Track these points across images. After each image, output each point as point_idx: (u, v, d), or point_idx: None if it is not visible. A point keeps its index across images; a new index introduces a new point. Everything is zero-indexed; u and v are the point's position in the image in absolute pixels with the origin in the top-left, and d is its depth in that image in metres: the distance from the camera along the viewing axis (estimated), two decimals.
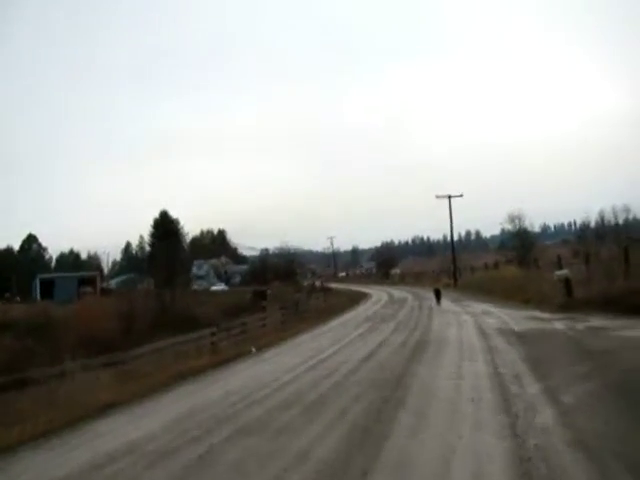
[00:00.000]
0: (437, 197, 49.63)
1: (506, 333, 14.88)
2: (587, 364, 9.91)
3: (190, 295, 52.68)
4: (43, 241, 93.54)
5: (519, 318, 18.80)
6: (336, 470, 5.30)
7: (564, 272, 21.79)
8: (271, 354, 14.93)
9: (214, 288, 63.44)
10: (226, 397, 9.15)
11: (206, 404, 8.80)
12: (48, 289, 63.90)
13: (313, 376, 10.60)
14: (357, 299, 39.77)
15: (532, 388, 8.24)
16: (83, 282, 67.64)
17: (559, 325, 16.32)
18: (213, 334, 19.90)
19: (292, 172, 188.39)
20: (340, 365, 11.54)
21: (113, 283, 72.10)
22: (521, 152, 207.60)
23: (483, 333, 15.10)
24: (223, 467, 5.71)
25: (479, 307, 24.81)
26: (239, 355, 15.28)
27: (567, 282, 21.43)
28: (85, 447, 7.06)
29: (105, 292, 62.12)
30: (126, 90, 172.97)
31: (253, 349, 16.19)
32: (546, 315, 19.58)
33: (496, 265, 44.92)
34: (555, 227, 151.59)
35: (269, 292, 51.40)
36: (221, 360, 14.73)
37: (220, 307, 39.90)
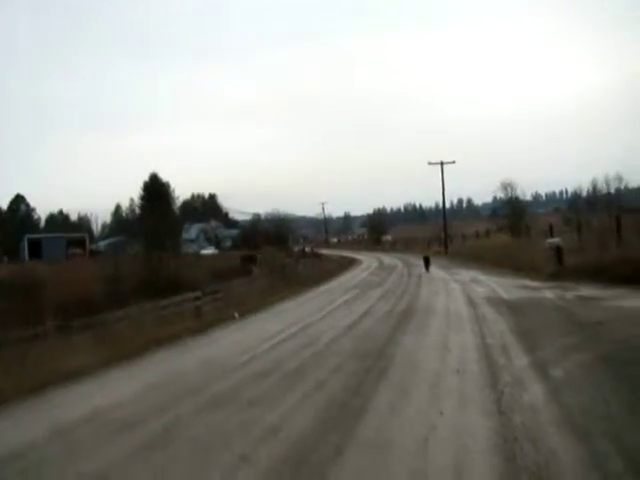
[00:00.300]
0: (429, 164, 49.01)
1: (495, 302, 14.54)
2: (577, 335, 9.56)
3: (179, 258, 52.24)
4: (32, 202, 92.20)
5: (509, 286, 18.48)
6: (308, 448, 4.89)
7: (555, 240, 21.43)
8: (254, 320, 14.55)
9: (204, 252, 62.88)
10: (202, 365, 8.74)
11: (180, 372, 8.39)
12: (36, 249, 63.23)
13: (294, 344, 10.21)
14: (346, 265, 39.49)
15: (520, 360, 7.86)
16: (72, 243, 66.97)
17: (549, 294, 16.00)
18: (197, 298, 19.57)
19: (285, 138, 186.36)
20: (323, 333, 11.15)
21: (102, 245, 71.35)
22: (514, 121, 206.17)
23: (471, 302, 14.75)
24: (187, 442, 5.30)
25: (469, 275, 24.50)
26: (221, 320, 14.89)
27: (558, 250, 21.09)
28: (46, 415, 6.64)
29: (94, 254, 61.52)
30: (117, 54, 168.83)
31: (236, 314, 15.80)
32: (536, 284, 19.27)
33: (487, 233, 44.68)
34: (547, 196, 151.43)
35: (259, 257, 50.96)
36: (203, 325, 14.34)
37: (209, 271, 39.35)
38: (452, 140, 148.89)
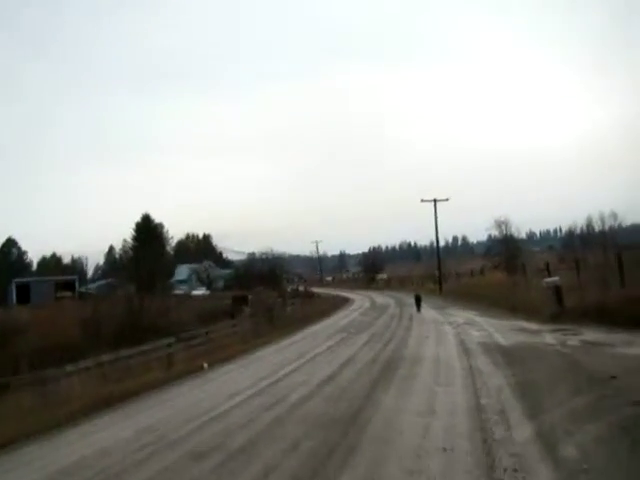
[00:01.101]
0: (422, 201, 47.91)
1: (491, 349, 12.95)
2: (588, 394, 7.97)
3: (168, 300, 50.47)
4: (24, 245, 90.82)
5: (505, 330, 16.89)
6: None
7: (554, 279, 19.94)
8: (223, 372, 12.90)
9: (195, 293, 61.18)
10: (134, 439, 7.10)
11: (104, 449, 6.75)
12: (24, 293, 61.46)
13: (256, 406, 8.58)
14: (338, 305, 37.86)
15: (522, 431, 6.27)
16: (61, 286, 65.28)
17: (550, 338, 14.42)
18: (169, 345, 17.98)
19: (280, 176, 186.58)
20: (293, 390, 9.55)
21: (93, 288, 69.57)
22: (507, 160, 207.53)
23: (465, 349, 13.15)
24: None
25: (463, 316, 22.91)
26: (188, 372, 13.25)
27: (557, 290, 19.56)
28: None
29: (83, 297, 59.75)
30: (111, 93, 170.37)
31: (205, 365, 14.16)
32: (535, 326, 17.70)
33: (482, 271, 43.17)
34: (541, 234, 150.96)
35: (250, 297, 49.20)
36: (168, 378, 12.73)
37: (197, 313, 37.78)
38: (447, 178, 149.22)
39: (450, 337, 15.55)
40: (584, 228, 65.24)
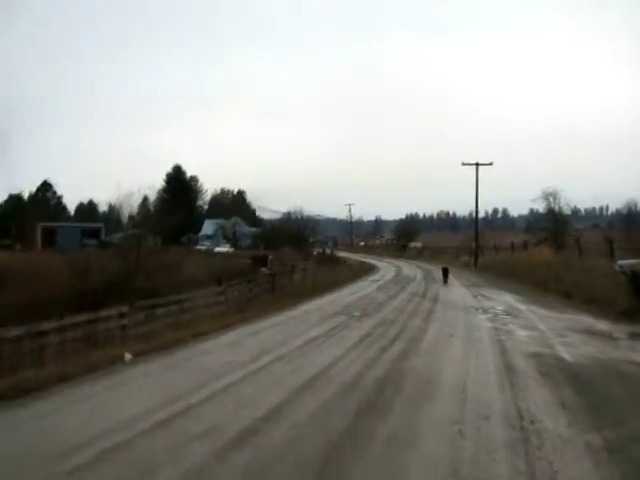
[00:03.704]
0: (464, 164, 41.83)
1: (551, 370, 7.85)
2: None
3: (176, 256, 46.67)
4: (60, 190, 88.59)
5: (564, 329, 11.69)
6: None
7: (632, 262, 14.44)
8: (132, 375, 8.19)
9: (217, 249, 57.25)
10: None
11: None
12: (50, 238, 58.88)
13: None
14: (359, 273, 32.87)
15: None
16: (88, 233, 62.65)
17: (638, 353, 9.26)
18: (122, 316, 13.71)
19: (320, 138, 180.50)
20: (162, 467, 4.76)
21: (117, 237, 66.55)
22: (553, 133, 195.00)
23: (508, 366, 8.05)
24: None
25: (502, 300, 17.65)
26: (93, 367, 8.65)
27: (635, 277, 14.12)
28: None
29: (105, 245, 56.80)
30: (160, 43, 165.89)
31: (127, 356, 9.55)
32: (605, 326, 12.43)
33: (525, 246, 37.28)
34: (586, 211, 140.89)
35: (271, 258, 44.65)
36: (67, 373, 8.20)
37: (211, 272, 33.52)
38: (489, 147, 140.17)
39: (485, 339, 10.41)
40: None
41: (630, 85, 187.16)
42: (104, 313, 13.55)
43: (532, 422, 5.52)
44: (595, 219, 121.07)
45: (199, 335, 11.69)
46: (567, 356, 8.82)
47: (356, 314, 14.24)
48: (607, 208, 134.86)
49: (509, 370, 7.72)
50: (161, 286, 26.23)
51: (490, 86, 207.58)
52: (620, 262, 14.61)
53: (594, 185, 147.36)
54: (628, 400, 6.53)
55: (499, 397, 6.38)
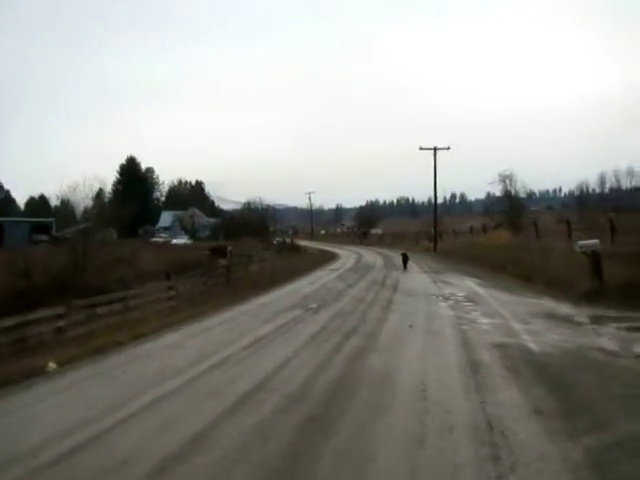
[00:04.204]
0: (422, 149, 41.29)
1: (517, 363, 7.15)
2: None
3: (128, 248, 44.84)
4: (8, 185, 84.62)
5: (528, 315, 11.10)
6: None
7: (592, 242, 14.00)
8: (51, 390, 7.07)
9: (175, 241, 55.44)
10: None
11: None
12: None
13: None
14: (319, 262, 32.03)
15: None
16: (38, 229, 59.64)
17: (606, 340, 8.68)
18: (59, 316, 12.48)
19: (279, 127, 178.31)
20: None
21: (70, 232, 63.72)
22: (507, 117, 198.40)
23: (472, 361, 7.28)
24: None
25: (463, 286, 17.07)
26: (8, 380, 7.50)
27: (595, 258, 13.69)
28: None
29: (57, 241, 54.18)
30: (111, 33, 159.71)
31: (51, 365, 8.40)
32: (568, 309, 11.95)
33: (484, 229, 37.20)
34: (540, 193, 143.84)
35: (230, 249, 43.31)
36: None
37: (170, 264, 31.98)
38: (445, 133, 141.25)
39: (447, 330, 9.66)
40: (583, 189, 59.08)
41: (584, 76, 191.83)
42: (36, 315, 12.31)
43: (502, 433, 4.74)
44: (549, 201, 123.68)
45: (140, 336, 10.62)
46: (533, 346, 8.16)
47: (313, 306, 13.36)
48: (560, 190, 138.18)
49: (473, 367, 6.95)
50: (112, 282, 24.75)
51: (447, 72, 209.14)
52: (580, 242, 14.16)
53: (547, 168, 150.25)
54: (603, 396, 5.85)
55: (464, 403, 5.58)
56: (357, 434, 4.80)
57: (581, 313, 11.42)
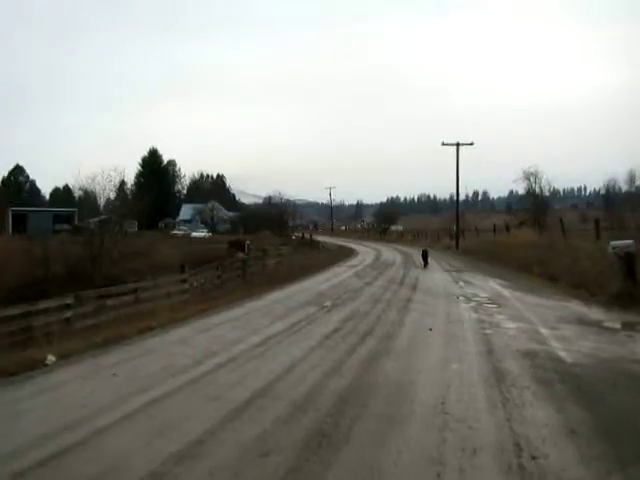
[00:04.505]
0: (444, 144, 40.37)
1: (548, 373, 6.49)
2: None
3: (159, 240, 44.73)
4: (34, 175, 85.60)
5: (556, 319, 10.38)
6: None
7: (626, 243, 13.15)
8: (45, 385, 6.64)
9: (194, 234, 55.36)
10: None
11: None
12: (20, 223, 56.49)
13: None
14: (337, 258, 31.45)
15: None
16: (61, 219, 60.20)
17: None
18: (67, 306, 12.23)
19: (302, 122, 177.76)
20: None
21: (92, 222, 64.17)
22: (532, 115, 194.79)
23: (497, 371, 6.62)
24: None
25: (486, 287, 16.33)
26: (6, 372, 7.12)
27: (630, 259, 12.85)
28: None
29: (78, 231, 54.60)
30: (135, 25, 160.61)
31: (50, 358, 7.99)
32: (599, 314, 11.18)
33: (507, 228, 36.16)
34: (564, 191, 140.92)
35: (248, 243, 42.96)
36: None
37: (188, 257, 31.72)
38: (468, 130, 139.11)
39: (469, 334, 8.99)
40: (610, 188, 57.18)
41: (609, 71, 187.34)
42: (44, 305, 12.00)
43: (534, 458, 4.12)
44: (573, 200, 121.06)
45: (147, 330, 10.18)
46: (564, 355, 7.47)
47: (327, 304, 12.79)
48: (585, 189, 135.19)
49: (499, 377, 6.31)
50: (127, 273, 24.55)
51: (471, 70, 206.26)
52: (613, 243, 13.32)
53: (571, 166, 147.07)
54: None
55: (489, 419, 4.96)
56: (368, 453, 4.23)
57: (614, 318, 10.65)
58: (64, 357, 8.02)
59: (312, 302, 13.26)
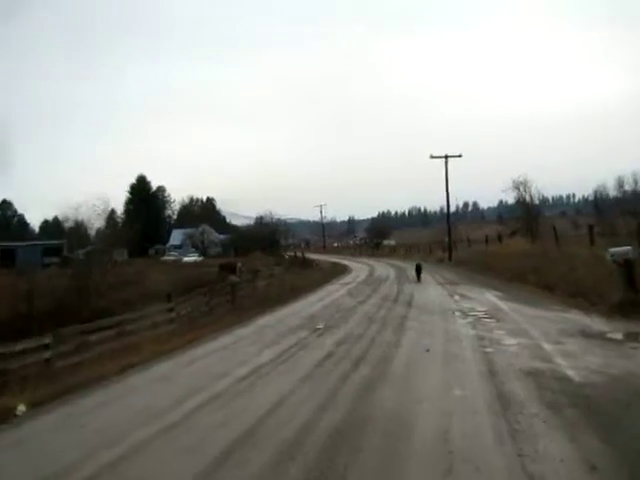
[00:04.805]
0: (432, 157, 40.20)
1: (557, 395, 5.95)
2: None
3: (149, 267, 43.98)
4: (21, 208, 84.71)
5: (558, 333, 9.86)
6: None
7: (624, 250, 12.72)
8: (5, 443, 6.03)
9: (185, 259, 54.62)
10: None
11: None
12: (8, 258, 55.46)
13: None
14: (330, 276, 30.90)
15: None
16: (50, 252, 59.26)
17: None
18: (46, 346, 11.58)
19: (290, 141, 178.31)
20: None
21: (81, 253, 63.31)
22: (516, 125, 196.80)
23: (502, 396, 6.06)
24: None
25: (482, 299, 15.83)
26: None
27: (629, 267, 12.41)
28: None
29: (67, 263, 53.71)
30: (110, 50, 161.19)
31: (21, 408, 7.33)
32: (600, 324, 10.69)
33: (499, 237, 35.82)
34: (554, 199, 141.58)
35: (239, 265, 42.22)
36: None
37: (179, 283, 30.96)
38: (456, 143, 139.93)
39: (468, 353, 8.45)
40: (598, 194, 57.24)
41: (593, 82, 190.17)
42: (21, 346, 11.32)
43: None
44: (562, 207, 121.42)
45: (128, 368, 9.57)
46: (572, 373, 6.93)
47: (319, 327, 12.22)
48: (574, 196, 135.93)
49: (505, 403, 5.76)
50: (117, 304, 23.81)
51: (457, 82, 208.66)
52: (612, 250, 12.88)
53: (559, 174, 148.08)
54: None
55: (498, 457, 4.40)
56: None
57: (617, 329, 10.17)
58: (36, 405, 7.37)
59: (304, 325, 12.69)
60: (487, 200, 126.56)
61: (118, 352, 11.74)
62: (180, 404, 6.67)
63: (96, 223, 50.25)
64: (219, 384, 7.58)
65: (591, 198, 64.61)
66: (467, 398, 6.04)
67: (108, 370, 9.36)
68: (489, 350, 8.55)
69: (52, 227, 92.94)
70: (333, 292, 21.52)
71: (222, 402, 6.66)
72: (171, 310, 16.33)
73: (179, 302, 17.35)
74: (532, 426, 5.06)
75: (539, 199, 40.97)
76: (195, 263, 52.58)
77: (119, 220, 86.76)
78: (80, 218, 39.75)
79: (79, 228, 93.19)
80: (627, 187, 49.38)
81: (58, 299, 24.19)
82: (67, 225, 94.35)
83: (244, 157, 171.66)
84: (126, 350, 11.77)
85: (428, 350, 8.72)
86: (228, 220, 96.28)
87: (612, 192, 53.33)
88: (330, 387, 6.87)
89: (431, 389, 6.52)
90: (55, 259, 56.86)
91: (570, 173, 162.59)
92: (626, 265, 12.36)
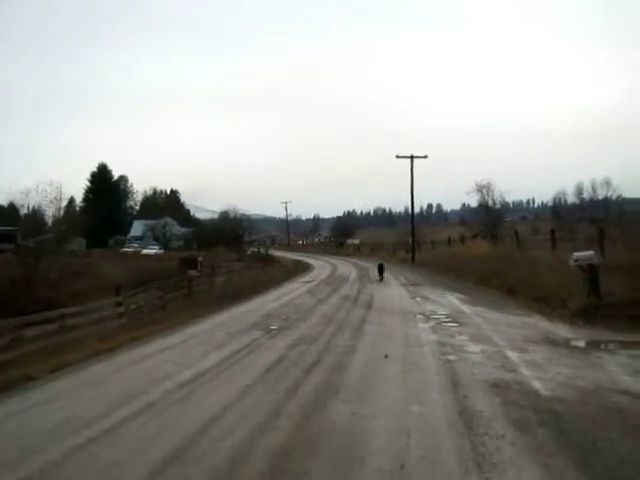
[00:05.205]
0: (398, 157, 39.87)
1: (525, 412, 5.40)
2: None
3: (108, 258, 42.31)
4: None
5: (522, 338, 9.42)
6: None
7: (588, 254, 12.42)
8: None
9: (145, 251, 52.91)
10: None
11: None
12: None
13: None
14: (292, 274, 30.20)
15: None
16: (3, 238, 56.59)
17: (621, 373, 7.01)
18: None
19: (259, 136, 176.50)
20: None
21: (35, 241, 60.72)
22: (480, 131, 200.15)
23: (466, 413, 5.45)
24: None
25: (445, 303, 15.37)
26: None
27: (593, 272, 12.12)
28: None
29: (22, 250, 51.27)
30: (83, 38, 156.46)
31: None
32: (564, 330, 10.33)
33: (462, 240, 35.78)
34: (514, 204, 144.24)
35: (200, 260, 40.99)
36: None
37: (137, 275, 29.59)
38: (422, 145, 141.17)
39: (429, 360, 7.87)
40: (556, 199, 58.52)
41: (557, 91, 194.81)
42: None
43: None
44: (522, 212, 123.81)
45: (61, 368, 8.66)
46: (539, 385, 6.41)
47: (274, 327, 11.49)
48: (533, 201, 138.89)
49: (468, 421, 5.17)
50: (65, 296, 22.53)
51: (426, 85, 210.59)
52: (575, 255, 12.58)
53: (520, 180, 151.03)
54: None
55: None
56: None
57: (581, 336, 9.82)
58: None
59: (258, 325, 11.94)
60: (451, 203, 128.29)
61: (55, 349, 10.75)
62: (108, 414, 5.85)
63: (48, 210, 47.92)
64: (157, 390, 6.77)
65: (550, 204, 65.99)
66: (427, 415, 5.42)
67: (38, 370, 8.44)
68: (451, 358, 7.99)
69: (8, 212, 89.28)
70: (293, 290, 20.80)
71: (156, 412, 5.87)
72: (120, 304, 15.35)
73: (130, 295, 16.37)
74: (499, 450, 4.46)
75: (501, 203, 41.34)
76: (156, 256, 51.03)
77: (78, 209, 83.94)
78: (31, 204, 37.81)
79: (35, 215, 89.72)
80: (586, 194, 50.45)
81: (4, 289, 22.77)
82: (23, 212, 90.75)
83: (212, 151, 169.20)
84: (64, 347, 10.80)
85: (387, 356, 8.10)
86: (192, 213, 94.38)
87: (571, 198, 54.47)
88: (277, 398, 6.16)
89: (388, 403, 5.88)
90: (9, 246, 54.37)
91: (530, 179, 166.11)
92: (590, 270, 12.06)
